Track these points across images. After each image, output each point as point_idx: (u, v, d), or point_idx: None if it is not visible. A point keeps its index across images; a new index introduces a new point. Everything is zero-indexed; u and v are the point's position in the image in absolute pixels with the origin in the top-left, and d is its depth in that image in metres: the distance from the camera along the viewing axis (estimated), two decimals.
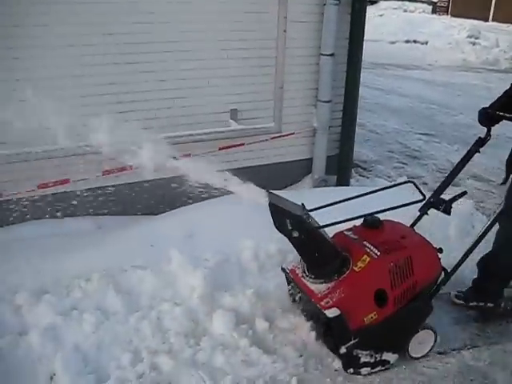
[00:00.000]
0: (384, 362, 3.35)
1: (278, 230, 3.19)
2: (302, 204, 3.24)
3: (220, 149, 5.04)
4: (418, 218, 3.68)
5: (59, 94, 4.17)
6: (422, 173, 6.88)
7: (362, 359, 3.28)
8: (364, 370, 3.31)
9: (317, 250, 3.24)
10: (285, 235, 3.19)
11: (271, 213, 3.11)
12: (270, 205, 3.10)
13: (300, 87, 5.47)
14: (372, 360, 3.31)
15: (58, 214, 4.68)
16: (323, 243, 3.22)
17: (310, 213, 3.25)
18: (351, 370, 3.30)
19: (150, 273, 3.72)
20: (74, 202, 4.72)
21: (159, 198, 5.00)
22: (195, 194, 4.41)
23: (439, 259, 3.38)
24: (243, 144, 5.19)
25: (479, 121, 3.66)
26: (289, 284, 3.70)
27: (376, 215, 3.41)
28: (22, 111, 2.99)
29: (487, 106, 3.67)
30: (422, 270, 3.27)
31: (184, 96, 4.95)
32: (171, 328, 3.43)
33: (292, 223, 3.09)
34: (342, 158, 5.84)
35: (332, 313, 3.10)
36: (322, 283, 3.25)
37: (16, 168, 4.37)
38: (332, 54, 5.32)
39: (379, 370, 3.34)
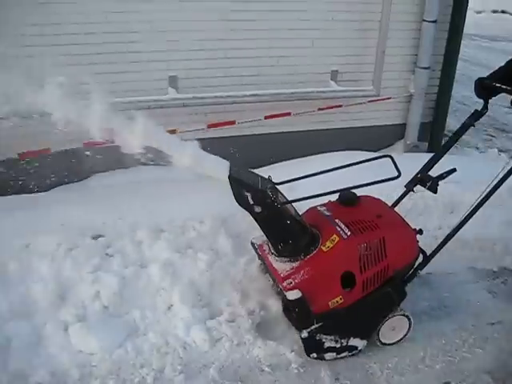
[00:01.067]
0: (351, 348, 3.15)
1: (239, 204, 2.95)
2: (269, 177, 3.07)
3: (319, 109, 5.17)
4: (404, 195, 3.46)
5: None
6: (511, 146, 6.80)
7: (327, 344, 3.08)
8: (328, 356, 3.13)
9: (281, 227, 3.00)
10: (246, 210, 2.96)
11: (231, 186, 2.92)
12: (229, 178, 2.93)
13: (400, 52, 5.49)
14: (338, 345, 3.11)
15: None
16: (288, 220, 2.99)
17: (280, 186, 3.09)
18: (314, 355, 3.11)
19: None
20: None
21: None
22: None
23: (417, 241, 3.17)
24: (341, 105, 5.29)
25: (475, 92, 3.27)
26: (258, 259, 3.47)
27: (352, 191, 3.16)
28: None
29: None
30: (396, 252, 3.02)
31: (288, 55, 5.09)
32: None
33: (253, 198, 2.90)
34: (436, 126, 5.86)
35: (293, 295, 2.92)
36: (286, 262, 3.06)
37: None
38: (435, 21, 5.29)
39: (346, 356, 3.17)
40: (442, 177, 3.20)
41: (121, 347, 3.15)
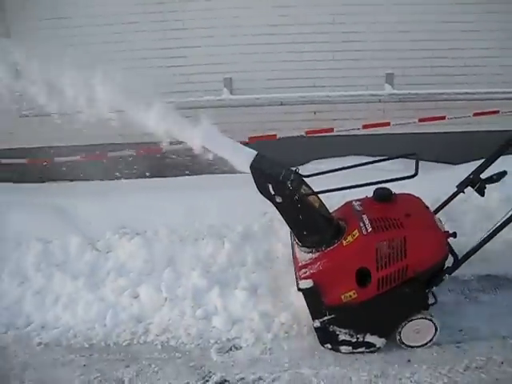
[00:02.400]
0: (368, 345, 3.18)
1: (261, 193, 3.03)
2: (296, 169, 3.12)
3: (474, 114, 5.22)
4: (453, 196, 3.35)
5: None
6: None
7: (341, 337, 3.16)
8: (344, 349, 3.19)
9: (302, 218, 3.04)
10: (269, 200, 3.04)
11: (253, 176, 2.99)
12: (251, 168, 2.98)
13: None
14: (353, 340, 3.16)
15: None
16: (309, 212, 3.03)
17: (309, 179, 3.16)
18: (328, 346, 3.20)
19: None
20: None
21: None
22: None
23: (445, 244, 3.06)
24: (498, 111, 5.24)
25: None
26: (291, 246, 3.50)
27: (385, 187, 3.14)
28: None
29: None
30: (418, 253, 2.95)
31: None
32: None
33: (274, 188, 2.97)
34: None
35: (304, 284, 3.01)
36: (308, 252, 3.13)
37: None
38: None
39: (363, 352, 3.21)
40: (491, 179, 3.10)
41: None
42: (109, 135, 4.70)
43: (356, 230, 3.03)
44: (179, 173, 5.24)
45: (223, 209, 4.36)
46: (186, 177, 5.19)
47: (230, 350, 3.37)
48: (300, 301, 3.21)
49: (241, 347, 3.37)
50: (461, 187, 3.26)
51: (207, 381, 3.12)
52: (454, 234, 3.15)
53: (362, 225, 3.04)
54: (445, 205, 3.44)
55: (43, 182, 5.58)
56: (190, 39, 5.33)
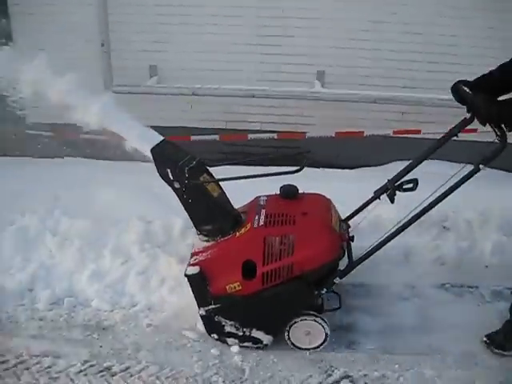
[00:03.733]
0: (255, 340, 3.17)
1: (161, 178, 3.08)
2: (200, 159, 3.15)
3: None
4: (369, 201, 3.26)
5: None
6: None
7: (227, 328, 3.16)
8: (230, 341, 3.19)
9: (198, 207, 3.10)
10: (168, 185, 3.08)
11: (154, 160, 3.04)
12: (152, 151, 3.03)
13: None
14: (240, 333, 3.16)
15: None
16: (205, 200, 3.07)
17: (213, 168, 3.19)
18: (215, 336, 3.21)
19: None
20: None
21: None
22: None
23: (339, 247, 3.01)
24: None
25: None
26: None
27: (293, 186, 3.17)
28: None
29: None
30: (306, 252, 2.92)
31: None
32: None
33: (172, 173, 3.02)
34: None
35: (190, 270, 3.05)
36: (204, 241, 3.17)
37: None
38: None
39: (252, 347, 3.19)
40: (400, 187, 3.04)
41: None
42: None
43: (249, 224, 3.06)
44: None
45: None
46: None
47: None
48: None
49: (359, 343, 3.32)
50: (377, 192, 3.20)
51: (330, 375, 3.08)
52: (352, 238, 3.18)
53: (256, 218, 3.06)
54: (359, 210, 3.36)
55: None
56: (287, 28, 5.33)
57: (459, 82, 2.86)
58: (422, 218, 2.94)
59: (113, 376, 3.02)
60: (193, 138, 5.29)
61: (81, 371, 3.04)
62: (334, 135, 5.25)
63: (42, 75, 3.09)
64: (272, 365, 3.13)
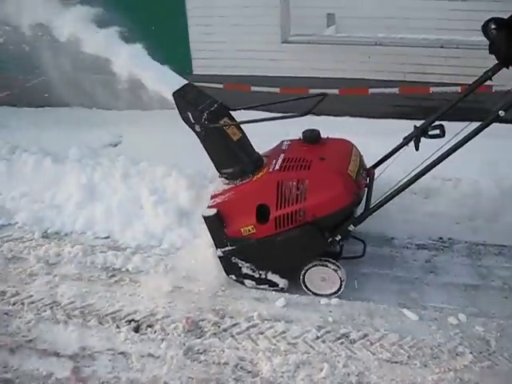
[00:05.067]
0: (271, 283, 3.22)
1: (184, 121, 3.15)
2: (221, 102, 3.23)
3: None
4: (398, 147, 3.19)
5: None
6: None
7: (244, 270, 3.22)
8: (248, 282, 3.26)
9: (218, 150, 3.16)
10: (190, 128, 3.15)
11: (176, 103, 3.12)
12: (173, 95, 3.11)
13: None
14: (256, 275, 3.22)
15: None
16: (226, 143, 3.13)
17: (236, 112, 3.23)
18: (233, 277, 3.28)
19: None
20: None
21: None
22: None
23: (354, 194, 2.92)
24: None
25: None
26: None
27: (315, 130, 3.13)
28: None
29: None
30: (318, 198, 2.88)
31: None
32: None
33: (193, 117, 3.08)
34: None
35: (207, 212, 3.13)
36: (226, 184, 3.23)
37: None
38: None
39: (269, 289, 3.23)
40: (426, 133, 2.96)
41: None
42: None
43: (266, 168, 3.08)
44: None
45: None
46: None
47: None
48: None
49: None
50: (406, 140, 3.13)
51: None
52: (367, 186, 3.10)
53: (273, 162, 3.07)
54: (388, 156, 3.27)
55: None
56: None
57: (491, 19, 2.67)
58: None
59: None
60: (371, 90, 5.09)
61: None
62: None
63: None
64: None
